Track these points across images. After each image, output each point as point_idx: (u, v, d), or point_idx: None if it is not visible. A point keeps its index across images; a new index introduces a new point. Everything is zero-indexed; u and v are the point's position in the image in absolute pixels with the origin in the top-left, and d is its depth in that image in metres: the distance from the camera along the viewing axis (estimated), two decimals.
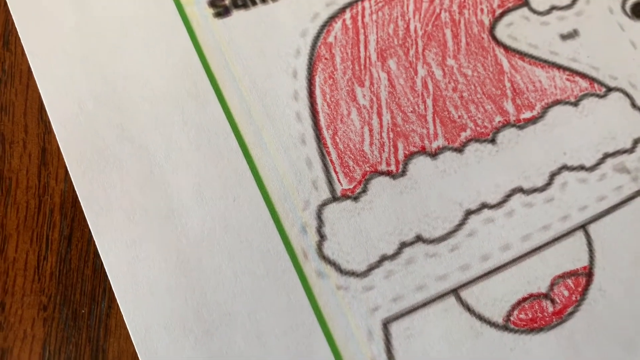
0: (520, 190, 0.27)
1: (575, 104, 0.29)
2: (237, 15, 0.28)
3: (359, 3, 0.29)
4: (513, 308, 0.25)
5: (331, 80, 0.28)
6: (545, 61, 0.29)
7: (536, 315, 0.26)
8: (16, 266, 0.25)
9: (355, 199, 0.26)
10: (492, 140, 0.28)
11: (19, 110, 0.27)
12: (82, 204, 0.24)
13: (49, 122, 0.26)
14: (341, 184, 0.26)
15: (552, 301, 0.26)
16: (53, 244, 0.25)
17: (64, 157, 0.25)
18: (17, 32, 0.27)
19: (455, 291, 0.25)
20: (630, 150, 0.29)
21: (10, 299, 0.24)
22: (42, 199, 0.25)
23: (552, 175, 0.28)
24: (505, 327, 0.25)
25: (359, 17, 0.29)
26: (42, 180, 0.26)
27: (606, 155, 0.29)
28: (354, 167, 0.27)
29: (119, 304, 0.23)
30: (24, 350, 0.24)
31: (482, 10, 0.30)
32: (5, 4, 0.27)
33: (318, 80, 0.27)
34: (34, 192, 0.26)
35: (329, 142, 0.27)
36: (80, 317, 0.24)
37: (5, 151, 0.26)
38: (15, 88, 0.27)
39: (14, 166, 0.26)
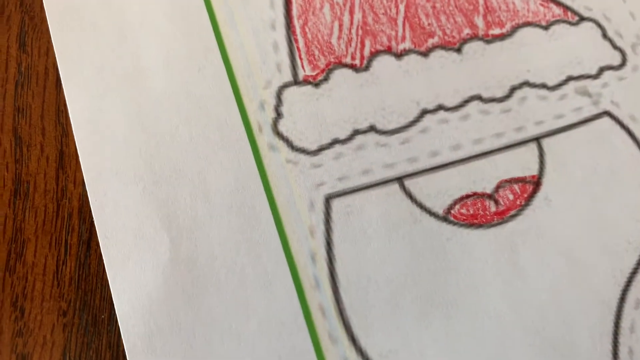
0: (478, 98, 0.28)
1: (545, 27, 0.30)
2: None
3: None
4: (455, 202, 0.27)
5: None
6: None
7: (478, 212, 0.27)
8: (35, 271, 0.25)
9: (316, 85, 0.27)
10: (458, 50, 0.29)
11: (36, 113, 0.27)
12: (55, 54, 0.26)
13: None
14: (304, 70, 0.28)
15: (496, 202, 0.27)
16: (72, 248, 0.26)
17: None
18: (33, 33, 0.28)
19: (400, 179, 0.27)
20: (595, 77, 0.30)
21: (30, 305, 0.25)
22: (60, 202, 0.26)
23: (513, 89, 0.29)
24: (444, 219, 0.26)
25: None
26: (60, 184, 0.26)
27: (570, 78, 0.30)
28: (319, 56, 0.28)
29: (77, 146, 0.25)
30: (44, 356, 0.24)
31: None
32: (21, 4, 0.29)
33: None
34: (52, 196, 0.26)
35: (298, 30, 0.28)
36: (100, 322, 0.25)
37: (23, 154, 0.26)
38: (32, 90, 0.27)
39: (31, 169, 0.26)
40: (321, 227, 0.26)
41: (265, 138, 0.26)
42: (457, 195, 0.27)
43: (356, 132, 0.27)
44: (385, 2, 0.30)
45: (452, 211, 0.27)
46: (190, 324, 0.24)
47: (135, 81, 0.27)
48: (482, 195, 0.27)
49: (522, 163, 0.28)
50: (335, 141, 0.27)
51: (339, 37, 0.29)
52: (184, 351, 0.23)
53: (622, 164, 0.29)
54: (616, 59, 0.31)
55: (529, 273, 0.26)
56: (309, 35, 0.28)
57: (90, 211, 0.25)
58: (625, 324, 0.26)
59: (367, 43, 0.29)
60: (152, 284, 0.24)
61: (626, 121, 0.29)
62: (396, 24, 0.29)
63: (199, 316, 0.24)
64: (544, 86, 0.29)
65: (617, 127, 0.29)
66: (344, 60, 0.28)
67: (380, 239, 0.26)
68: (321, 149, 0.27)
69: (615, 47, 0.31)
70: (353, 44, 0.29)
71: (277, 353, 0.24)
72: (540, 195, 0.28)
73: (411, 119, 0.28)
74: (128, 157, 0.25)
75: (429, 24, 0.30)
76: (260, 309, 0.24)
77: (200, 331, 0.24)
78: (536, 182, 0.28)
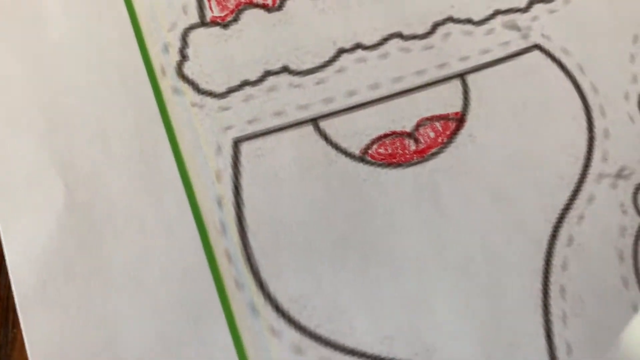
0: (399, 35, 0.27)
1: None
2: None
3: None
4: (373, 142, 0.25)
5: None
6: None
7: (396, 151, 0.25)
8: None
9: (225, 26, 0.26)
10: None
11: None
12: None
13: None
14: (212, 11, 0.26)
15: (416, 140, 0.26)
16: None
17: None
18: None
19: (314, 120, 0.25)
20: (524, 10, 0.29)
21: None
22: None
23: (436, 25, 0.28)
24: (361, 159, 0.25)
25: None
26: None
27: (497, 12, 0.28)
28: None
29: None
30: None
31: None
32: None
33: None
34: None
35: None
36: None
37: None
38: None
39: None
40: (229, 171, 0.24)
41: (169, 81, 0.25)
42: (375, 135, 0.26)
43: (268, 73, 0.26)
44: None
45: (370, 151, 0.25)
46: (86, 273, 0.23)
47: (33, 28, 0.25)
48: (402, 134, 0.26)
49: (445, 100, 0.27)
50: (245, 83, 0.26)
51: None
52: (79, 301, 0.22)
53: (554, 98, 0.27)
54: None
55: (452, 212, 0.25)
56: None
57: None
58: (556, 261, 0.25)
59: None
60: (45, 233, 0.23)
61: (558, 54, 0.28)
62: None
63: (95, 264, 0.23)
64: (469, 21, 0.28)
65: (548, 61, 0.28)
66: (255, 1, 0.27)
67: (292, 181, 0.25)
68: (230, 91, 0.26)
69: None
70: None
71: (178, 301, 0.23)
72: (464, 132, 0.26)
73: (327, 58, 0.27)
74: (24, 106, 0.24)
75: None
76: (161, 256, 0.23)
77: (97, 280, 0.23)
78: (459, 119, 0.27)
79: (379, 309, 0.24)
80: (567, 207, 0.26)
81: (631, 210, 0.27)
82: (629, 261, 0.26)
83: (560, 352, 0.24)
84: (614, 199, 0.27)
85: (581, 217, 0.26)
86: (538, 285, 0.25)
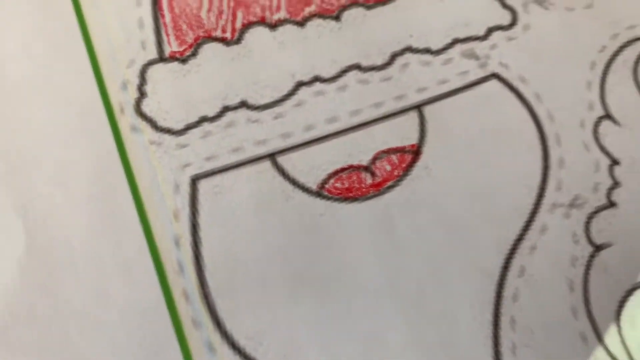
0: (357, 67, 0.28)
1: None
2: None
3: None
4: (330, 177, 0.26)
5: None
6: None
7: (353, 185, 0.26)
8: None
9: (184, 61, 0.27)
10: (337, 18, 0.28)
11: None
12: None
13: None
14: (171, 46, 0.27)
15: (372, 174, 0.26)
16: None
17: None
18: None
19: (272, 156, 0.26)
20: (483, 38, 0.29)
21: None
22: None
23: (394, 56, 0.28)
24: (318, 194, 0.26)
25: None
26: None
27: (456, 41, 0.29)
28: (187, 30, 0.27)
29: None
30: None
31: None
32: None
33: None
34: None
35: (165, 6, 0.27)
36: None
37: None
38: None
39: None
40: (186, 210, 0.25)
41: (127, 119, 0.26)
42: (332, 169, 0.26)
43: (226, 109, 0.26)
44: None
45: (327, 186, 0.26)
46: (47, 316, 0.23)
47: None
48: (358, 168, 0.27)
49: (402, 132, 0.27)
50: (203, 119, 0.26)
51: (209, 10, 0.28)
52: (40, 344, 0.23)
53: (510, 127, 0.28)
54: (506, 19, 0.30)
55: (405, 245, 0.26)
56: (177, 10, 0.27)
57: None
58: (507, 292, 0.26)
59: (240, 15, 0.28)
60: (7, 276, 0.24)
61: (515, 83, 0.29)
62: None
63: (56, 307, 0.23)
64: (427, 51, 0.29)
65: (506, 90, 0.29)
66: (214, 34, 0.27)
67: (249, 218, 0.25)
68: (188, 127, 0.26)
69: (505, 6, 0.30)
70: (224, 16, 0.28)
71: (137, 341, 0.23)
72: (420, 164, 0.27)
73: (285, 92, 0.27)
74: None
75: None
76: (120, 297, 0.24)
77: (58, 322, 0.23)
78: (416, 151, 0.27)
79: (334, 344, 0.25)
80: (519, 238, 0.27)
81: (583, 240, 0.28)
82: (579, 291, 0.27)
83: None
84: (567, 229, 0.28)
85: (533, 248, 0.27)
86: (488, 317, 0.26)
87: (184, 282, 0.25)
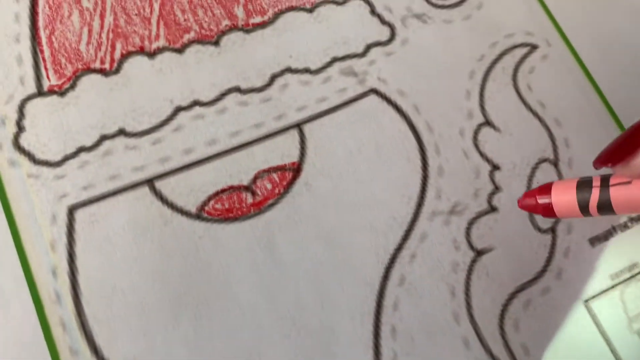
0: (237, 89, 0.28)
1: (310, 10, 0.30)
2: None
3: None
4: (209, 198, 0.27)
5: None
6: None
7: (233, 205, 0.27)
8: None
9: (62, 94, 0.27)
10: (216, 43, 0.29)
11: None
12: None
13: None
14: (50, 80, 0.27)
15: (253, 193, 0.27)
16: None
17: None
18: None
19: (150, 181, 0.26)
20: (362, 55, 0.30)
21: None
22: None
23: (273, 77, 0.29)
24: (197, 216, 0.26)
25: None
26: None
27: (335, 59, 0.30)
28: (65, 64, 0.28)
29: None
30: None
31: None
32: None
33: None
34: None
35: (44, 41, 0.28)
36: None
37: None
38: None
39: None
40: (63, 240, 0.25)
41: (5, 154, 0.26)
42: (212, 191, 0.27)
43: (104, 138, 0.27)
44: (138, 2, 0.29)
45: (206, 207, 0.27)
46: None
47: None
48: (239, 188, 0.27)
49: (282, 151, 0.28)
50: (81, 149, 0.27)
51: (88, 43, 0.28)
52: None
53: (389, 140, 0.29)
54: (385, 35, 0.31)
55: (285, 261, 0.26)
56: (56, 45, 0.28)
57: None
58: (388, 302, 0.26)
59: (118, 46, 0.29)
60: None
61: (394, 97, 0.30)
62: (150, 23, 0.29)
63: None
64: (306, 70, 0.29)
65: (384, 104, 0.30)
66: (92, 66, 0.28)
67: (126, 245, 0.26)
68: (65, 159, 0.27)
69: (384, 22, 0.31)
70: (103, 48, 0.28)
71: None
72: (300, 181, 0.28)
73: (164, 118, 0.28)
74: None
75: (185, 20, 0.29)
76: None
77: None
78: (296, 169, 0.28)
79: None
80: (399, 247, 0.28)
81: (464, 245, 0.28)
82: (461, 296, 0.27)
83: None
84: (447, 236, 0.28)
85: (413, 256, 0.28)
86: (369, 327, 0.27)
87: (61, 312, 0.25)
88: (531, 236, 0.29)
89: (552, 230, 0.29)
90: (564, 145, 0.31)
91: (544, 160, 0.30)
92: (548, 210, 0.24)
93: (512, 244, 0.29)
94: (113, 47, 0.29)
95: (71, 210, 0.26)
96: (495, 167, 0.30)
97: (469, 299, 0.27)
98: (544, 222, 0.29)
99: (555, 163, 0.30)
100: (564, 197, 0.23)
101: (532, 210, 0.25)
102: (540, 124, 0.31)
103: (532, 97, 0.31)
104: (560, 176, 0.30)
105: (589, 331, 0.28)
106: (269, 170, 0.28)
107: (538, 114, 0.31)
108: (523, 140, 0.30)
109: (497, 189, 0.29)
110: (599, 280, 0.28)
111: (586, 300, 0.28)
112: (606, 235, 0.29)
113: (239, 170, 0.28)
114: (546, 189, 0.24)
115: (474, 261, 0.28)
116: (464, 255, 0.28)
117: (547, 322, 0.28)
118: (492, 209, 0.29)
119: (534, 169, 0.30)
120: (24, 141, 0.27)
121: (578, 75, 0.32)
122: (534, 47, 0.32)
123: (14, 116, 0.28)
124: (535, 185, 0.29)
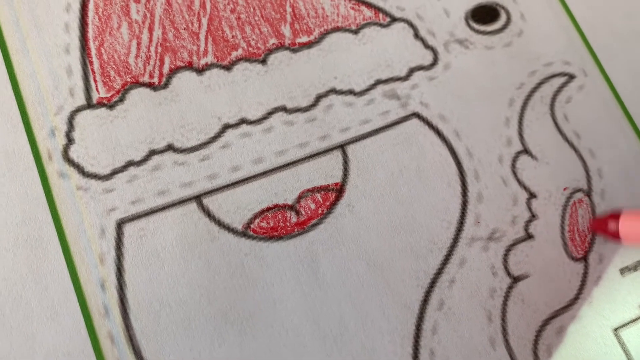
0: (283, 109, 0.29)
1: (355, 31, 0.31)
2: None
3: None
4: (255, 216, 0.27)
5: None
6: None
7: (278, 224, 0.27)
8: None
9: (111, 107, 0.28)
10: (263, 61, 0.30)
11: None
12: None
13: None
14: (99, 92, 0.28)
15: (297, 212, 0.28)
16: None
17: None
18: None
19: (198, 198, 0.27)
20: (405, 79, 0.31)
21: None
22: None
23: (319, 97, 0.30)
24: (243, 234, 0.27)
25: None
26: None
27: (378, 82, 0.30)
28: (115, 77, 0.28)
29: None
30: None
31: None
32: None
33: None
34: None
35: (93, 52, 0.28)
36: None
37: None
38: None
39: None
40: (112, 254, 0.26)
41: (55, 166, 0.27)
42: (258, 209, 0.28)
43: (152, 153, 0.28)
44: (187, 16, 0.30)
45: (252, 225, 0.27)
46: None
47: None
48: (284, 207, 0.28)
49: (326, 171, 0.29)
50: (130, 163, 0.27)
51: (137, 56, 0.29)
52: None
53: (430, 164, 0.30)
54: (427, 59, 0.31)
55: (328, 282, 0.27)
56: (105, 57, 0.29)
57: None
58: (427, 325, 0.27)
59: (167, 60, 0.29)
60: None
61: (435, 121, 0.30)
62: (198, 38, 0.30)
63: None
64: (350, 92, 0.30)
65: (426, 128, 0.30)
66: (141, 79, 0.29)
67: (174, 260, 0.26)
68: (114, 172, 0.27)
69: (427, 46, 0.32)
70: (152, 62, 0.29)
71: None
72: (343, 202, 0.28)
73: (212, 134, 0.28)
74: None
75: (232, 37, 0.30)
76: (46, 342, 0.25)
77: None
78: (339, 190, 0.28)
79: None
80: (439, 272, 0.29)
81: (501, 271, 0.29)
82: (497, 322, 0.28)
83: None
84: (485, 262, 0.29)
85: (452, 281, 0.29)
86: (409, 350, 0.27)
87: (109, 325, 0.26)
88: (565, 264, 0.30)
89: (585, 259, 0.30)
90: (597, 176, 0.32)
91: (578, 190, 0.31)
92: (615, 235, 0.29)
93: (546, 271, 0.30)
94: (162, 61, 0.30)
95: (120, 224, 0.27)
96: (532, 195, 0.30)
97: (505, 324, 0.28)
98: (577, 251, 0.30)
99: (588, 193, 0.31)
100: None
101: (604, 232, 0.30)
102: (575, 154, 0.32)
103: (568, 127, 0.32)
104: (593, 206, 0.31)
105: (618, 359, 0.29)
106: (313, 190, 0.29)
107: (573, 144, 0.32)
108: (558, 169, 0.31)
109: (533, 216, 0.30)
110: (628, 310, 0.30)
111: (615, 329, 0.29)
112: (636, 266, 0.30)
113: (284, 189, 0.29)
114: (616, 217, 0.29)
115: (510, 287, 0.29)
116: (501, 281, 0.29)
117: (578, 349, 0.29)
118: (529, 236, 0.30)
119: (569, 198, 0.31)
120: (73, 153, 0.28)
121: (613, 106, 0.33)
122: (571, 77, 0.33)
123: (63, 127, 0.28)
124: (568, 214, 0.30)
